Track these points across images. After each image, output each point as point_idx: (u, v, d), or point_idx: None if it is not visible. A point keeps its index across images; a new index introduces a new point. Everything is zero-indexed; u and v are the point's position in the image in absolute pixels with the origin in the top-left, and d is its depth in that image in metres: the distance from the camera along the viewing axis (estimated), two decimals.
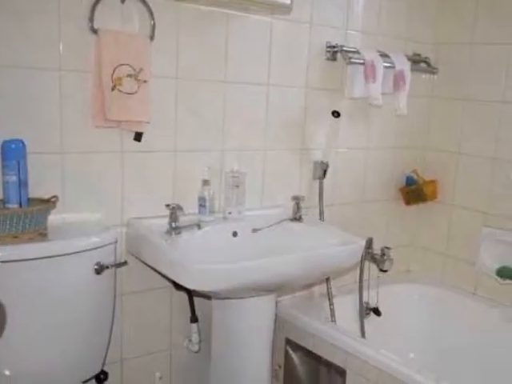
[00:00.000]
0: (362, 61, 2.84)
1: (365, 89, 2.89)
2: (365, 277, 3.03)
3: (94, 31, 2.10)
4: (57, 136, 2.13)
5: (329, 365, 2.69)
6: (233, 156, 2.62)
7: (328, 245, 2.47)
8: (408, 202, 3.41)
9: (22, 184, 1.98)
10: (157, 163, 2.41)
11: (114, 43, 2.11)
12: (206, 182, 2.47)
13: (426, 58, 3.26)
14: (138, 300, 2.50)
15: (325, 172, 2.92)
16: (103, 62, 2.10)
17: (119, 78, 2.13)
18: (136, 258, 2.35)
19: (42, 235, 2.03)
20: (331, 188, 3.05)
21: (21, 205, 1.98)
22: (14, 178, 1.96)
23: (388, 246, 3.05)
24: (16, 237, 1.95)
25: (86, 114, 2.17)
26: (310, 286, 3.07)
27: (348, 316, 3.07)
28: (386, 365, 2.45)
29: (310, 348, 2.77)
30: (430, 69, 3.29)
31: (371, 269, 3.06)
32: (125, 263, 2.30)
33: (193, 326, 2.63)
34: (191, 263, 2.03)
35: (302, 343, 2.81)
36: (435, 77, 3.36)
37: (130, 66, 2.15)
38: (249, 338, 2.49)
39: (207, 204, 2.47)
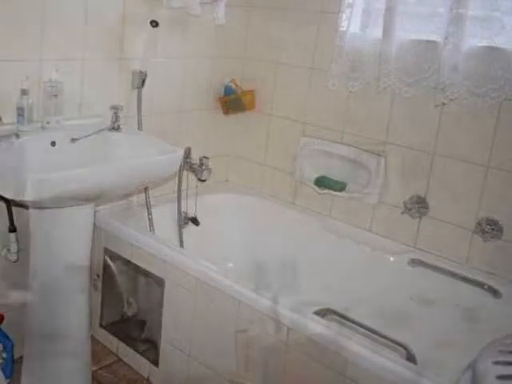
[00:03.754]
0: None
1: None
2: (183, 186, 3.40)
3: None
4: None
5: (148, 274, 2.98)
6: (51, 65, 2.77)
7: (146, 154, 2.74)
8: (226, 112, 3.76)
9: None
10: None
11: None
12: (24, 92, 2.66)
13: None
14: None
15: (143, 81, 3.21)
16: None
17: None
18: None
19: None
20: (150, 98, 3.31)
21: None
22: None
23: (206, 155, 3.42)
24: None
25: None
26: (128, 195, 3.35)
27: (166, 226, 3.41)
28: (204, 274, 2.72)
29: (128, 258, 3.06)
30: None
31: (189, 179, 3.42)
32: None
33: (11, 236, 2.86)
34: (8, 173, 2.27)
35: (121, 253, 3.10)
36: None
37: None
38: (67, 248, 2.70)
39: (25, 114, 2.66)
